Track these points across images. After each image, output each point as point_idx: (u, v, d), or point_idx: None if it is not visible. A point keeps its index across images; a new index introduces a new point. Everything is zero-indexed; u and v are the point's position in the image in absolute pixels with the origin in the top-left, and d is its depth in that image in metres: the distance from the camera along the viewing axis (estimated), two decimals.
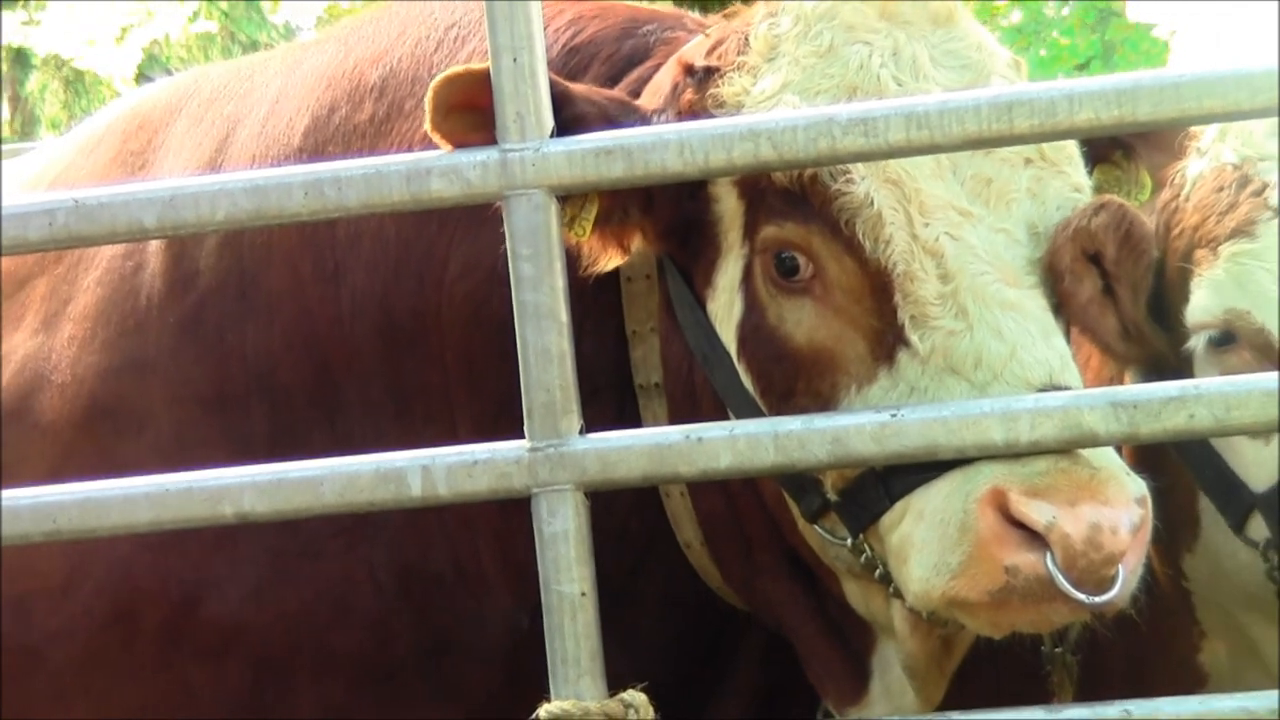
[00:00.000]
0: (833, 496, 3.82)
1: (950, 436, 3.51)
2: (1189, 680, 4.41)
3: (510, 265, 3.59)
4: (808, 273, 3.84)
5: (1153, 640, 4.36)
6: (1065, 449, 3.56)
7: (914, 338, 3.74)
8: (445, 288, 4.23)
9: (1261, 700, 3.47)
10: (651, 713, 3.63)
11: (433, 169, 3.63)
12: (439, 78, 3.78)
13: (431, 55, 4.28)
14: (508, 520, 4.11)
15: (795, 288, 3.86)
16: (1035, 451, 3.52)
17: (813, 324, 3.85)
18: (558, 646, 3.61)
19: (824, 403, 3.83)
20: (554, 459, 3.59)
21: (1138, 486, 3.59)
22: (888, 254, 3.77)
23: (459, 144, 3.72)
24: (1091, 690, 4.20)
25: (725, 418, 3.93)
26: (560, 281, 3.60)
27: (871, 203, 3.78)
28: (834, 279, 3.84)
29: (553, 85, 3.71)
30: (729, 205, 3.95)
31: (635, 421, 4.13)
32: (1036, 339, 3.72)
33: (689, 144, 3.57)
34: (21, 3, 20.71)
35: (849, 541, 3.83)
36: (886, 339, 3.78)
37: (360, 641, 4.27)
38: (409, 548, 4.27)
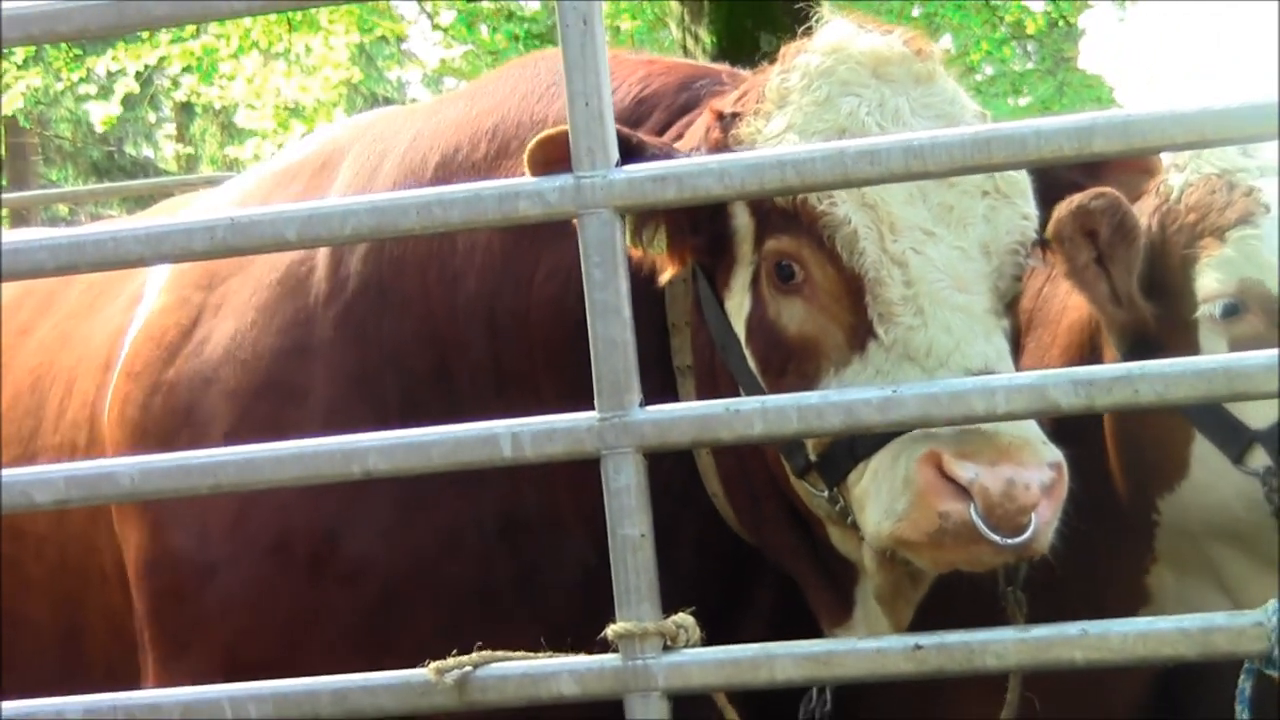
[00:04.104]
0: (814, 458, 3.88)
1: (940, 409, 3.51)
2: (1134, 598, 4.44)
3: (583, 270, 3.61)
4: (800, 277, 3.91)
5: (1109, 561, 4.42)
6: (1031, 418, 3.59)
7: (880, 331, 3.80)
8: (534, 291, 4.30)
9: (1195, 621, 3.47)
10: (699, 632, 3.65)
11: (520, 192, 3.64)
12: (534, 139, 3.83)
13: (534, 105, 4.36)
14: (582, 477, 4.06)
15: (790, 289, 3.92)
16: (1010, 418, 3.55)
17: (802, 318, 3.91)
18: (621, 578, 3.63)
19: (809, 381, 3.90)
20: (619, 427, 3.60)
21: (1052, 454, 3.65)
22: (861, 263, 3.83)
23: None
24: (1052, 598, 4.22)
25: (737, 394, 3.99)
26: (624, 284, 3.61)
27: (849, 222, 3.83)
28: (819, 283, 3.90)
29: (633, 140, 3.82)
30: (743, 222, 4.01)
31: (673, 396, 4.18)
32: (979, 336, 3.78)
33: (728, 171, 3.58)
34: (201, 78, 20.88)
35: (826, 494, 3.89)
36: (859, 332, 3.84)
37: (466, 572, 4.34)
38: (506, 498, 4.33)
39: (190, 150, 34.60)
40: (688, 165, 3.65)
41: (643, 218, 3.95)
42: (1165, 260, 4.27)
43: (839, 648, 3.62)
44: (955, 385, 3.56)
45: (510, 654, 3.70)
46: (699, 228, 4.03)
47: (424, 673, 3.68)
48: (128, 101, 22.72)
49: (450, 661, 3.67)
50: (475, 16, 21.84)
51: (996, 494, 3.54)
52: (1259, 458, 4.10)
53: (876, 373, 3.79)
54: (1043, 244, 4.13)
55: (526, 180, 3.67)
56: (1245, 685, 3.56)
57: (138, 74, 21.33)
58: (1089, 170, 4.23)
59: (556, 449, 3.67)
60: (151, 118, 34.83)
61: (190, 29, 19.70)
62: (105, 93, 22.56)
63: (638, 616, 3.61)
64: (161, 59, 20.91)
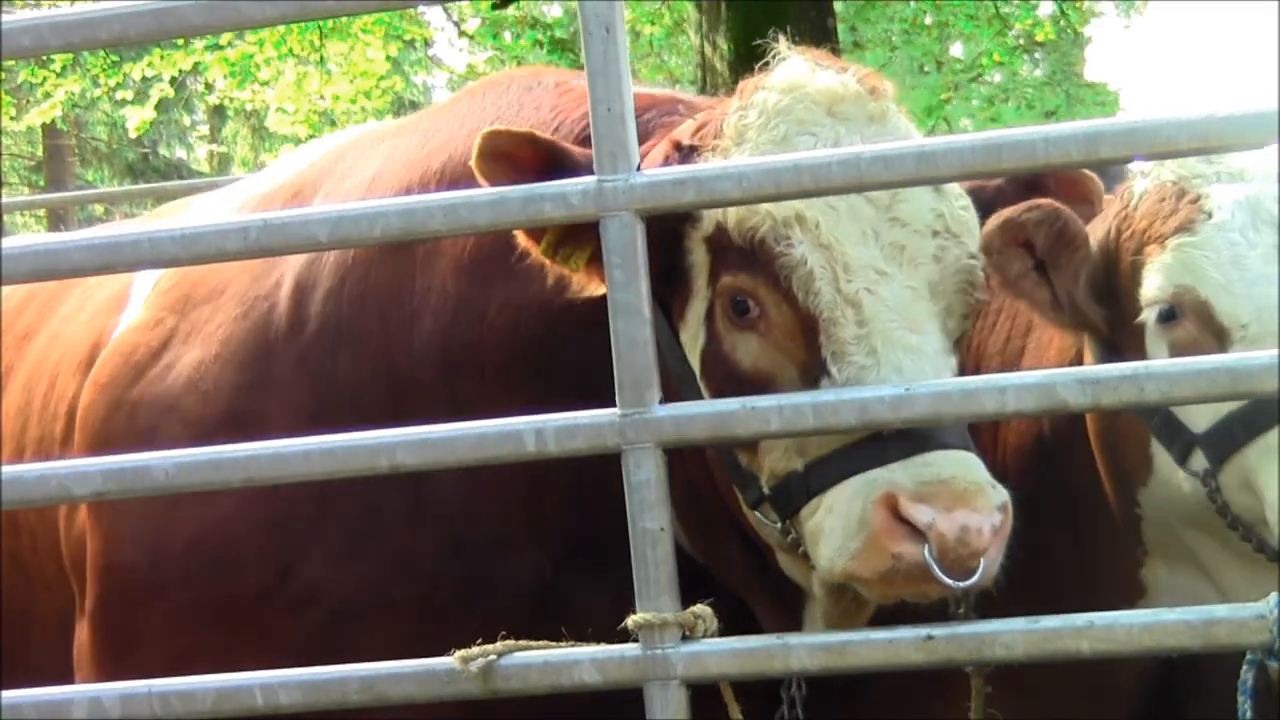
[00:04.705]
0: (767, 490, 3.86)
1: (952, 407, 3.52)
2: (1131, 591, 4.43)
3: (605, 271, 3.62)
4: (755, 314, 3.88)
5: (1104, 559, 4.44)
6: (1039, 416, 3.56)
7: (834, 369, 3.78)
8: (487, 323, 4.28)
9: (1199, 614, 3.48)
10: (716, 623, 3.66)
11: (544, 195, 3.64)
12: (485, 129, 3.88)
13: None
14: (536, 500, 4.23)
15: (745, 324, 3.90)
16: (1019, 416, 3.54)
17: (757, 353, 3.89)
18: (642, 571, 3.63)
19: None
20: (639, 423, 3.60)
21: (1000, 497, 3.65)
22: (816, 303, 3.81)
23: (492, 183, 3.84)
24: (1051, 593, 4.23)
25: None
26: (644, 285, 3.61)
27: (805, 262, 3.82)
28: (774, 320, 3.87)
29: (554, 148, 3.90)
30: (699, 257, 3.98)
31: None
32: (928, 377, 3.74)
33: (746, 176, 3.58)
34: (236, 83, 20.91)
35: (779, 525, 3.87)
36: (813, 369, 3.82)
37: (417, 593, 4.32)
38: (460, 524, 4.32)
39: (224, 150, 34.69)
40: (707, 169, 3.65)
41: (565, 236, 3.96)
42: (1118, 265, 4.29)
43: (853, 638, 3.62)
44: (966, 384, 3.57)
45: (532, 643, 3.71)
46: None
47: (450, 661, 3.69)
48: (162, 105, 22.72)
49: (475, 650, 3.68)
50: (499, 24, 21.86)
51: (952, 539, 3.54)
52: (1200, 460, 4.11)
53: None
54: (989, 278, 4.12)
55: (551, 184, 3.67)
56: (1247, 676, 3.57)
57: (172, 79, 21.32)
58: None
59: (579, 444, 3.66)
60: (185, 120, 34.91)
61: (227, 36, 19.72)
62: (141, 97, 22.58)
63: (657, 608, 3.62)
64: (196, 64, 20.92)
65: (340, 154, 4.84)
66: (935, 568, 3.53)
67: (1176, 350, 4.10)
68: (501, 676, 3.68)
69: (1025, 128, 3.58)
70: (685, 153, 4.03)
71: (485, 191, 3.73)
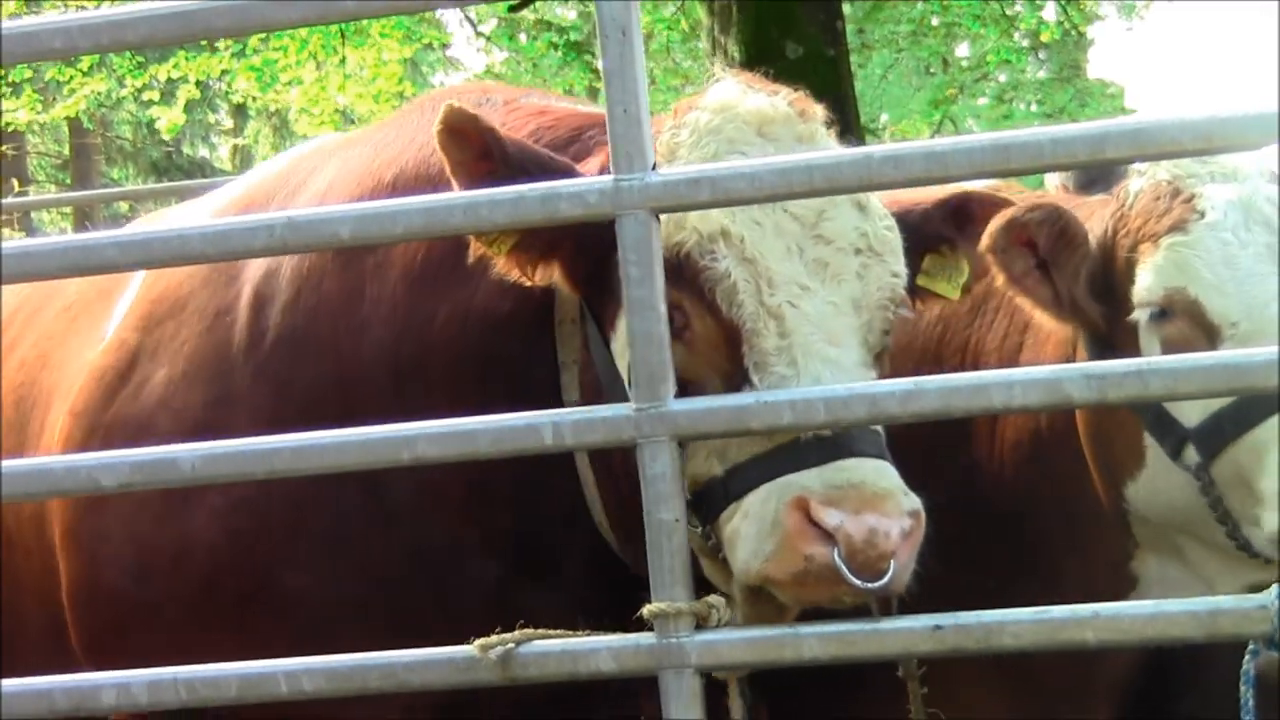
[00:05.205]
0: (689, 496, 3.84)
1: (961, 401, 3.52)
2: (1123, 583, 4.46)
3: (621, 268, 3.62)
4: (681, 324, 3.89)
5: (1097, 551, 4.47)
6: (1045, 411, 3.54)
7: (755, 378, 3.80)
8: (435, 331, 4.30)
9: (1203, 604, 3.48)
10: (729, 613, 3.68)
11: (562, 194, 3.65)
12: (448, 104, 3.96)
13: (429, 158, 4.33)
14: (480, 506, 4.26)
15: (671, 335, 3.84)
16: (1025, 411, 3.54)
17: (683, 363, 3.86)
18: (656, 561, 3.63)
19: None
20: (654, 417, 3.60)
21: (911, 503, 3.66)
22: (739, 315, 3.84)
23: (446, 154, 3.96)
24: (1053, 586, 4.23)
25: None
26: (659, 282, 3.62)
27: (729, 275, 3.85)
28: (698, 331, 3.90)
29: (492, 133, 3.94)
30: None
31: None
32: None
33: (758, 175, 3.59)
34: (260, 86, 20.91)
35: (700, 530, 3.87)
36: (735, 378, 3.84)
37: (388, 598, 4.35)
38: (418, 530, 4.34)
39: (247, 143, 34.71)
40: (721, 170, 3.65)
41: (525, 243, 4.00)
42: (1113, 264, 4.31)
43: (863, 628, 3.61)
44: (974, 379, 3.58)
45: (550, 632, 3.72)
46: (557, 246, 4.01)
47: (469, 649, 3.69)
48: (187, 105, 22.75)
49: (494, 639, 3.68)
50: (515, 25, 21.88)
51: (859, 540, 3.56)
52: (1192, 454, 4.13)
53: None
54: (912, 292, 4.14)
55: (568, 182, 3.68)
56: (1249, 666, 3.58)
57: (198, 81, 21.34)
58: (959, 225, 4.28)
59: (595, 438, 3.68)
60: (210, 119, 34.95)
61: (252, 41, 19.73)
62: (167, 98, 22.60)
63: (671, 597, 3.62)
64: (224, 71, 20.93)
65: (294, 167, 4.86)
66: (845, 569, 3.56)
67: (1168, 347, 4.12)
68: (520, 664, 3.69)
69: (1033, 129, 3.57)
70: None
71: (504, 190, 3.73)
